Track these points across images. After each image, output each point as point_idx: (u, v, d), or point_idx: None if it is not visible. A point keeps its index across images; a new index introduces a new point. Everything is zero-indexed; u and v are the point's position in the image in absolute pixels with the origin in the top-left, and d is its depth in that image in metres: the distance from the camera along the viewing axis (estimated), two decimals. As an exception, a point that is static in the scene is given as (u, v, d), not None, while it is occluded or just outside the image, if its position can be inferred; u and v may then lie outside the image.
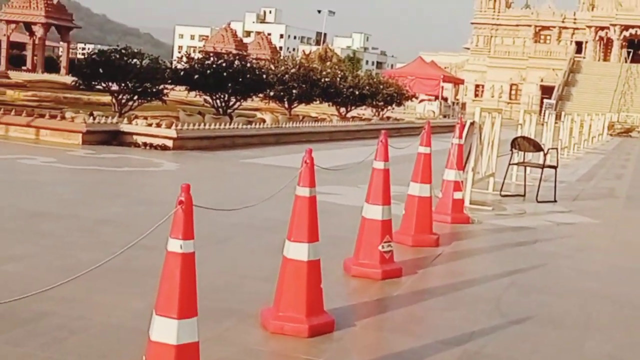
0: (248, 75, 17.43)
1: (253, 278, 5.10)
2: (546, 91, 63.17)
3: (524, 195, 10.60)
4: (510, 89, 69.67)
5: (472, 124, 9.09)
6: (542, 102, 58.85)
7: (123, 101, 15.35)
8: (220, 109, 17.72)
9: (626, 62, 65.37)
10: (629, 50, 67.25)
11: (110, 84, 15.22)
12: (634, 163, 21.66)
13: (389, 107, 27.74)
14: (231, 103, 17.87)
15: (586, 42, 69.66)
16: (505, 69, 68.98)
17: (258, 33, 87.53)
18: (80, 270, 2.91)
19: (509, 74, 68.90)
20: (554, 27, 72.48)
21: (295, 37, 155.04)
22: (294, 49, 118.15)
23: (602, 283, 5.92)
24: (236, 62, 17.94)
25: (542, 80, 65.55)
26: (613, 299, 5.42)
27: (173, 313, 2.86)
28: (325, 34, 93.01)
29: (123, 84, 14.98)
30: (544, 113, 23.30)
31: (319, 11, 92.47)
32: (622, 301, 5.40)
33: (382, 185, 5.28)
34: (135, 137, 13.08)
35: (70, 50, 60.69)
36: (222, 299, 4.55)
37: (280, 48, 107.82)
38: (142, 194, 8.52)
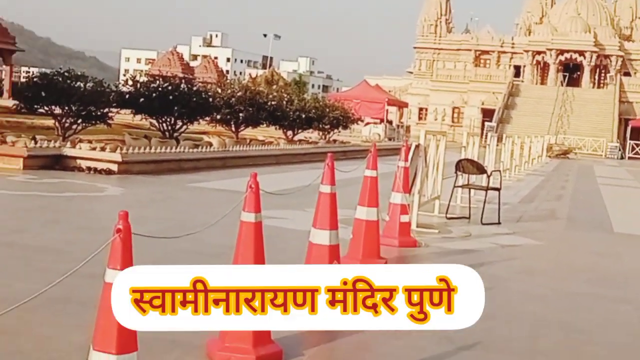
0: (194, 99, 17.33)
1: (198, 307, 4.97)
2: (487, 114, 64.33)
3: (469, 218, 10.70)
4: (453, 112, 70.72)
5: (417, 146, 9.14)
6: (483, 125, 59.92)
7: (66, 125, 15.05)
8: (167, 133, 17.53)
9: (562, 85, 67.03)
10: (565, 74, 68.99)
11: (53, 107, 14.93)
12: (573, 184, 22.14)
13: (335, 130, 27.89)
14: (178, 126, 17.71)
15: (524, 66, 71.18)
16: (447, 93, 70.04)
17: (205, 57, 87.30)
18: (17, 301, 2.78)
19: (451, 97, 69.99)
20: (493, 51, 73.94)
21: (242, 61, 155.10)
22: (240, 73, 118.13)
23: (547, 307, 5.96)
24: (182, 85, 17.84)
25: (483, 104, 66.74)
26: (559, 324, 5.45)
27: (111, 348, 2.76)
28: (271, 58, 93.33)
29: (66, 107, 14.70)
30: (486, 135, 23.64)
31: (265, 35, 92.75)
32: (568, 326, 5.43)
33: (329, 209, 5.24)
34: (78, 161, 12.81)
35: (14, 74, 59.33)
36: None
37: (227, 71, 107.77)
38: (84, 220, 8.31)
